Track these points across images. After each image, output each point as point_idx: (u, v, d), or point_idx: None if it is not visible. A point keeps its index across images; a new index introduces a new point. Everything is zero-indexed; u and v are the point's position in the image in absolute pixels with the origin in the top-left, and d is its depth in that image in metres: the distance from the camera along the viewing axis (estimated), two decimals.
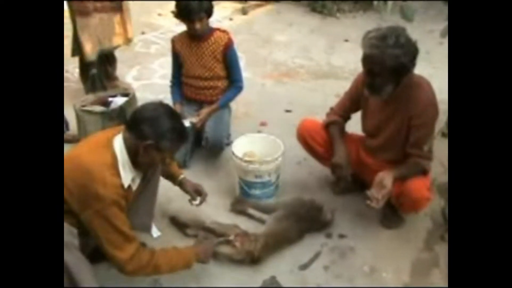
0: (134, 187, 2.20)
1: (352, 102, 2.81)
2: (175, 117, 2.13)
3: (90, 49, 3.74)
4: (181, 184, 2.66)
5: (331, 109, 2.92)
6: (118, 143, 2.07)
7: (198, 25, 3.17)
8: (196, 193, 2.65)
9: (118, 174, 2.04)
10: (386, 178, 2.45)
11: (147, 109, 2.08)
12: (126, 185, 2.08)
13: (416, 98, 2.45)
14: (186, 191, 2.66)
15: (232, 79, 3.45)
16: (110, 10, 3.75)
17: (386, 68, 2.34)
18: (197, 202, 2.65)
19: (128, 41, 3.99)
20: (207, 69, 3.35)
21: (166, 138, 2.05)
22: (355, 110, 2.85)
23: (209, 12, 3.20)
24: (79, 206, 1.98)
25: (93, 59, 3.82)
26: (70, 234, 2.03)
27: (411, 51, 2.34)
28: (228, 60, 3.36)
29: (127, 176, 2.09)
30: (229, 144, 3.43)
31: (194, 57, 3.35)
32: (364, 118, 2.81)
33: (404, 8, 2.70)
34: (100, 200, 1.94)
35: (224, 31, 3.35)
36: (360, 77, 2.66)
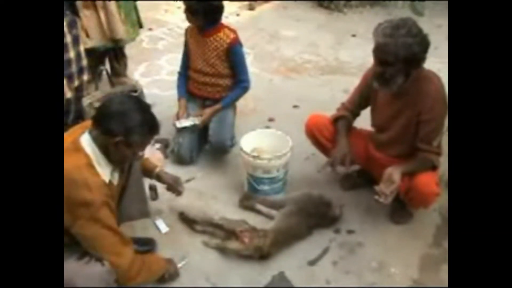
0: (115, 181, 2.15)
1: (361, 98, 2.80)
2: (144, 109, 2.04)
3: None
4: (158, 177, 2.62)
5: (342, 104, 2.91)
6: (86, 141, 1.99)
7: (197, 22, 3.20)
8: (176, 183, 2.64)
9: (96, 173, 1.97)
10: (394, 173, 2.44)
11: (113, 104, 1.99)
12: (107, 181, 2.02)
13: (425, 93, 2.43)
14: (165, 182, 2.63)
15: (237, 79, 3.40)
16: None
17: (399, 57, 2.31)
18: (178, 191, 2.64)
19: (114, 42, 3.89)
20: (209, 65, 3.33)
21: (135, 132, 1.97)
22: (365, 106, 2.84)
23: (206, 13, 3.16)
24: (68, 218, 1.88)
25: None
26: None
27: (423, 42, 2.33)
28: (232, 59, 3.31)
29: (105, 171, 2.03)
30: (233, 145, 3.41)
31: (198, 50, 3.33)
32: (373, 113, 2.80)
33: (415, 3, 2.69)
34: (89, 205, 1.89)
35: (232, 30, 3.30)
36: (369, 72, 2.65)
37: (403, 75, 2.41)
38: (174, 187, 2.63)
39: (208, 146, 3.40)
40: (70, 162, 1.88)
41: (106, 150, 2.01)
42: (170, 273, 2.38)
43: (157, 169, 2.63)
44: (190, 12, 3.17)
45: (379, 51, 2.38)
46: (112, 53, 4.16)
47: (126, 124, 1.94)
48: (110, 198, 2.01)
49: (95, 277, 1.96)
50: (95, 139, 1.99)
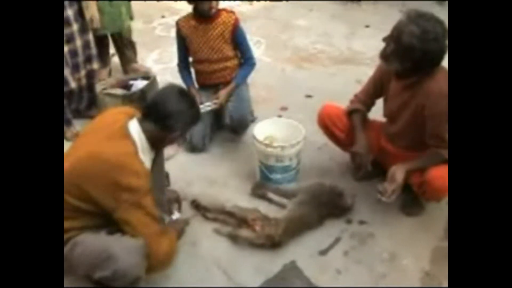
0: (149, 166, 2.21)
1: (375, 88, 2.78)
2: (193, 102, 2.22)
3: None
4: None
5: (355, 96, 2.89)
6: (135, 130, 2.07)
7: (206, 6, 3.17)
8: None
9: (141, 161, 2.04)
10: (397, 172, 2.45)
11: (171, 102, 2.10)
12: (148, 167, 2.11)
13: (428, 88, 2.38)
14: None
15: (244, 58, 3.46)
16: None
17: (400, 42, 2.31)
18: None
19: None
20: (215, 51, 3.33)
21: (190, 126, 2.21)
22: (379, 96, 2.82)
23: None
24: (111, 203, 1.95)
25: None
26: None
27: (431, 49, 2.28)
28: (237, 39, 3.35)
29: (147, 160, 2.11)
30: (253, 120, 3.48)
31: (201, 40, 3.33)
32: (385, 103, 2.79)
33: None
34: (135, 191, 1.95)
35: (230, 12, 3.34)
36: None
37: (399, 62, 2.41)
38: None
39: (228, 121, 3.41)
40: (118, 149, 1.97)
41: (154, 140, 2.12)
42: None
43: None
44: None
45: (400, 46, 2.34)
46: (119, 41, 4.16)
47: (184, 121, 2.13)
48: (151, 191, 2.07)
49: (132, 247, 1.98)
50: (146, 130, 2.08)
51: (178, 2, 6.34)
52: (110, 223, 2.05)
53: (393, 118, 2.71)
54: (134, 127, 2.07)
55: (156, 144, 2.16)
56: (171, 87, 2.21)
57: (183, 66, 3.55)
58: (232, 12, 3.35)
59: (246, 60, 3.46)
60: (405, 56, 2.35)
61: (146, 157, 2.10)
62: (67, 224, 1.99)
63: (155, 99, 2.14)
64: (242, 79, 3.47)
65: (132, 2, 4.16)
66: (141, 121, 2.10)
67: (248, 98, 3.50)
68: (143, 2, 5.72)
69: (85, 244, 2.02)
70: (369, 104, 2.87)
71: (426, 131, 2.49)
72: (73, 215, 2.01)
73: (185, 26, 3.36)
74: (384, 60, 2.47)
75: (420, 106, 2.45)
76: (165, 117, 2.07)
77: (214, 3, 3.19)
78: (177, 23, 3.41)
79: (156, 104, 2.11)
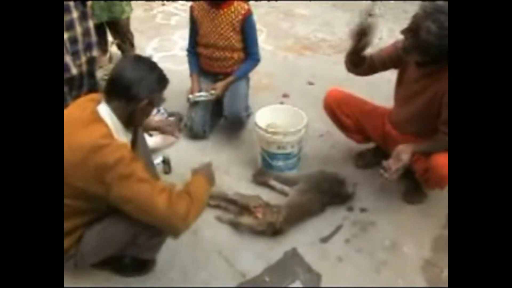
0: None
1: (390, 60, 2.71)
2: (154, 66, 2.07)
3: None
4: (152, 126, 2.63)
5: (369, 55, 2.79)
6: (106, 113, 1.98)
7: None
8: (170, 126, 2.66)
9: (122, 141, 1.98)
10: (404, 152, 2.43)
11: (128, 71, 1.97)
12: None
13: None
14: (159, 128, 2.65)
15: (249, 51, 3.40)
16: None
17: (417, 37, 2.29)
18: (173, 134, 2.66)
19: None
20: (223, 38, 3.29)
21: (157, 90, 2.04)
22: (387, 68, 2.77)
23: None
24: (102, 189, 1.88)
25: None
26: None
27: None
28: (246, 30, 3.30)
29: (123, 140, 2.03)
30: (249, 115, 3.42)
31: (211, 24, 3.30)
32: (398, 86, 2.76)
33: None
34: (118, 164, 1.85)
35: (243, 1, 3.29)
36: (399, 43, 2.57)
37: (418, 54, 2.41)
38: (168, 130, 2.63)
39: (223, 119, 3.39)
40: (91, 133, 1.89)
41: (127, 119, 2.03)
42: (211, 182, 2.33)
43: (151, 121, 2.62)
44: None
45: (418, 41, 2.32)
46: (115, 30, 4.14)
47: (148, 87, 1.98)
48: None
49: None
50: (114, 109, 1.99)
51: None
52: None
53: (406, 103, 2.68)
54: (104, 110, 1.99)
55: (130, 121, 2.06)
56: (124, 59, 2.16)
57: (192, 51, 3.52)
58: (246, 2, 3.29)
59: (250, 55, 3.40)
60: (424, 51, 2.35)
61: (123, 138, 2.03)
62: (73, 222, 2.01)
63: (112, 74, 2.03)
64: (243, 73, 3.42)
65: None
66: (108, 102, 2.00)
67: (245, 93, 3.44)
68: None
69: (109, 226, 2.07)
70: (375, 65, 2.78)
71: (440, 117, 2.47)
72: (75, 214, 2.01)
73: (197, 8, 3.34)
74: (404, 52, 2.46)
75: (441, 92, 2.42)
76: (126, 88, 1.96)
77: None
78: (191, 6, 3.39)
79: (114, 79, 2.01)
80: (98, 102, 2.03)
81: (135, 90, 1.95)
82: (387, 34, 4.54)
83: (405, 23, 2.42)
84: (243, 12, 3.22)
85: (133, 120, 2.07)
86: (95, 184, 1.87)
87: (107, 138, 1.91)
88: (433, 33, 2.24)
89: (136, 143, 2.34)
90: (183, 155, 3.14)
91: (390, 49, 2.72)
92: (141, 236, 2.09)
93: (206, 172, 2.31)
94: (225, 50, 3.34)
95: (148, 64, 2.05)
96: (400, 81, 2.74)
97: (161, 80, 2.06)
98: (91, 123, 1.94)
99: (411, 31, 2.35)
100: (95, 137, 1.87)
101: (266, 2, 6.00)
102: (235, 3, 3.24)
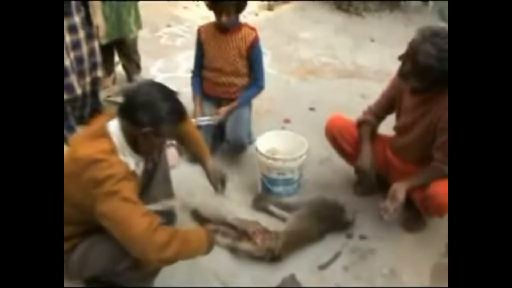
0: (139, 172, 2.12)
1: (389, 101, 2.79)
2: (171, 97, 1.99)
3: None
4: (207, 170, 2.60)
5: (369, 107, 2.90)
6: (114, 128, 1.97)
7: (224, 18, 3.14)
8: (220, 181, 2.63)
9: (120, 160, 1.93)
10: (399, 190, 2.46)
11: (140, 94, 1.93)
12: (131, 169, 2.00)
13: (444, 101, 2.41)
14: (210, 178, 2.62)
15: (254, 77, 3.41)
16: None
17: (416, 62, 2.33)
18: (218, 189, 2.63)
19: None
20: (229, 63, 3.32)
21: (164, 122, 1.94)
22: (392, 110, 2.83)
23: (238, 7, 3.16)
24: (90, 201, 1.85)
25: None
26: None
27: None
28: (252, 57, 3.32)
29: (129, 160, 2.00)
30: (251, 142, 3.42)
31: (218, 49, 3.32)
32: (397, 116, 2.80)
33: (443, 8, 2.67)
34: (109, 178, 1.82)
35: (252, 28, 3.32)
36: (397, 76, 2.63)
37: (417, 79, 2.44)
38: (215, 184, 2.62)
39: (226, 144, 3.40)
40: (93, 147, 1.88)
41: (133, 141, 1.99)
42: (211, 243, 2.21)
43: (210, 162, 2.60)
44: (229, 9, 3.12)
45: (417, 66, 2.36)
46: (122, 50, 4.18)
47: (154, 115, 1.91)
48: (132, 178, 1.97)
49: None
50: (122, 128, 1.97)
51: (185, 11, 6.41)
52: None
53: (405, 131, 2.71)
54: (114, 127, 1.97)
55: (138, 144, 1.99)
56: (147, 82, 2.11)
57: (196, 74, 3.53)
58: (254, 29, 3.32)
59: (254, 81, 3.41)
60: (423, 75, 2.38)
61: (129, 159, 1.99)
62: (69, 230, 1.99)
63: (126, 93, 2.01)
64: (246, 99, 3.43)
65: (140, 11, 4.16)
66: (119, 119, 1.98)
67: (247, 119, 3.45)
68: (149, 11, 5.75)
69: (96, 243, 2.04)
70: (380, 117, 2.88)
71: (434, 143, 2.50)
72: (74, 223, 2.00)
73: (205, 32, 3.36)
74: (402, 78, 2.49)
75: (435, 118, 2.46)
76: (132, 110, 1.92)
77: (233, 16, 3.17)
78: (199, 29, 3.41)
79: (126, 99, 1.98)
80: (112, 117, 2.02)
81: (139, 115, 1.90)
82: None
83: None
84: (250, 38, 3.25)
85: (137, 146, 2.01)
86: (85, 196, 1.86)
87: (105, 153, 1.89)
88: (432, 55, 2.27)
89: (156, 169, 2.34)
90: (184, 178, 3.14)
91: (387, 90, 2.79)
92: (121, 263, 2.01)
93: (211, 237, 2.22)
94: (230, 75, 3.36)
95: (165, 93, 1.98)
96: (398, 111, 2.77)
97: (173, 112, 1.97)
98: (97, 137, 1.95)
99: (409, 56, 2.38)
100: (94, 151, 1.87)
101: (270, 25, 6.05)
102: (243, 30, 3.27)
